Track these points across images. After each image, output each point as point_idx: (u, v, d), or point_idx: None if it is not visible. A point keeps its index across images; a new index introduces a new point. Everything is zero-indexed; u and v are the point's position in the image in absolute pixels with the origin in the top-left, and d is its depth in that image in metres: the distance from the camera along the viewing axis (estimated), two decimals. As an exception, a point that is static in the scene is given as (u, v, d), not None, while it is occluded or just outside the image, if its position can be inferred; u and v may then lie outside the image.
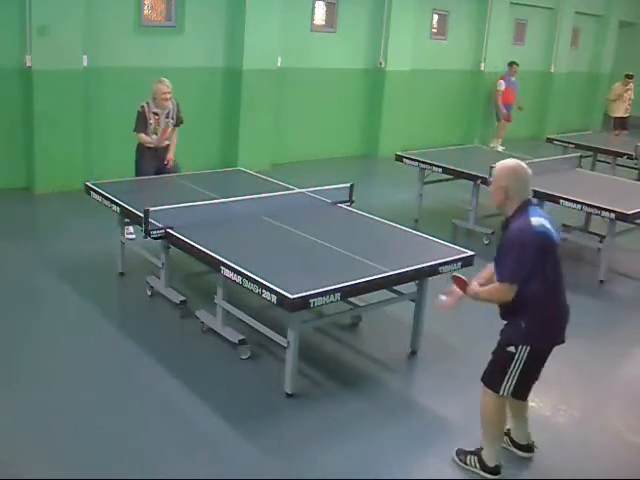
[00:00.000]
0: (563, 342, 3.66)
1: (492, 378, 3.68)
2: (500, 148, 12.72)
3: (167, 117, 6.80)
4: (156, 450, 3.80)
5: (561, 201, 6.73)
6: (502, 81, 13.43)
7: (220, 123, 10.45)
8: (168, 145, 6.93)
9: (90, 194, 6.12)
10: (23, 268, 6.21)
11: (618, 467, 3.97)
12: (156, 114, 6.74)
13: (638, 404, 4.68)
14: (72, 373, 4.56)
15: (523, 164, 3.57)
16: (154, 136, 6.78)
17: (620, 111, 13.16)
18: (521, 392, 3.74)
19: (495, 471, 3.72)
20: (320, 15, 11.53)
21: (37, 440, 3.80)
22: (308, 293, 3.90)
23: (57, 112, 8.40)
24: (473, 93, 14.35)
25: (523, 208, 3.49)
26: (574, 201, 6.63)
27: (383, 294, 4.79)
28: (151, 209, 4.91)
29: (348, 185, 5.92)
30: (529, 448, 3.95)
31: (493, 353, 3.71)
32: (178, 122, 6.93)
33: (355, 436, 4.02)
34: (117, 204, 5.63)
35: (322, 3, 11.50)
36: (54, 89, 8.38)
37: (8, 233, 7.08)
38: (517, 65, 13.54)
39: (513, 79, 13.52)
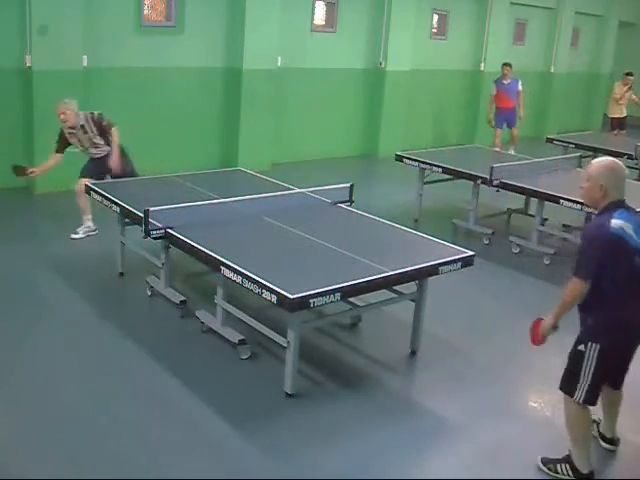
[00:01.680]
0: (634, 351, 3.67)
1: (566, 382, 3.67)
2: (512, 151, 12.17)
3: (85, 133, 6.88)
4: (156, 450, 3.80)
5: (561, 201, 6.72)
6: (494, 84, 12.18)
7: (220, 123, 10.45)
8: (104, 155, 6.92)
9: (90, 194, 6.12)
10: (23, 268, 6.21)
11: (618, 467, 3.97)
12: (71, 133, 6.92)
13: (638, 404, 4.67)
14: (72, 373, 4.56)
15: (621, 164, 3.57)
16: (90, 152, 6.98)
17: (617, 112, 13.13)
18: (596, 392, 3.64)
19: (589, 477, 3.67)
20: (320, 15, 11.54)
21: (37, 440, 3.80)
22: (308, 293, 3.90)
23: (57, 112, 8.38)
24: (473, 93, 14.35)
25: (611, 208, 3.50)
26: (574, 201, 6.62)
27: (383, 294, 4.79)
28: (151, 209, 4.90)
29: (348, 185, 5.91)
30: (612, 441, 3.99)
31: (568, 356, 3.69)
32: (106, 129, 6.89)
33: (355, 436, 4.02)
34: (117, 204, 5.63)
35: (322, 3, 11.50)
36: (54, 89, 8.37)
37: (8, 233, 7.08)
38: (509, 66, 12.03)
39: (506, 82, 12.01)
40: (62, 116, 6.85)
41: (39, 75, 8.29)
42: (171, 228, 4.92)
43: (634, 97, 12.96)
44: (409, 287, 4.86)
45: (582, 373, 3.56)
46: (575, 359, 3.61)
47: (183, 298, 5.39)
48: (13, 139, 8.54)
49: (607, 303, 3.49)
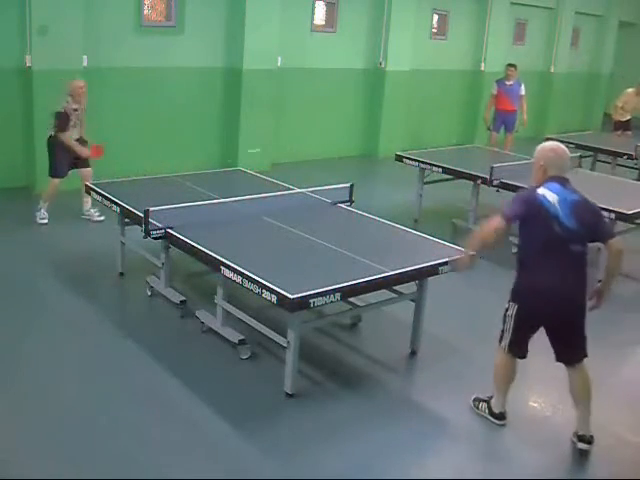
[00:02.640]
0: (561, 317, 3.91)
1: (500, 333, 4.10)
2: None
3: (82, 112, 7.29)
4: (156, 450, 3.80)
5: (561, 201, 6.71)
6: (495, 84, 11.48)
7: (220, 123, 10.45)
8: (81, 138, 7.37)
9: (90, 194, 6.12)
10: (23, 268, 6.21)
11: (618, 467, 3.97)
12: (76, 110, 7.22)
13: (637, 404, 4.68)
14: (72, 373, 4.56)
15: (563, 147, 3.94)
16: (74, 129, 7.27)
17: (622, 115, 13.02)
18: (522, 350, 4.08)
19: (500, 417, 4.22)
20: (320, 15, 11.54)
21: (37, 440, 3.80)
22: (308, 293, 3.90)
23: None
24: (473, 93, 14.35)
25: (547, 181, 3.86)
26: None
27: (383, 294, 4.79)
28: (151, 209, 4.91)
29: (348, 185, 5.92)
30: (583, 438, 4.00)
31: None
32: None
33: (355, 436, 4.02)
34: (117, 204, 5.63)
35: (322, 3, 11.50)
36: (54, 89, 8.36)
37: (8, 233, 7.08)
38: (513, 67, 11.36)
39: (508, 83, 11.31)
40: (85, 88, 7.24)
41: (39, 75, 8.28)
42: (171, 228, 4.92)
43: None
44: (409, 287, 4.86)
45: (505, 327, 4.04)
46: (503, 315, 4.05)
47: (183, 298, 5.39)
48: (13, 139, 8.53)
49: (526, 267, 3.91)
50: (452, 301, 5.89)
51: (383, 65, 12.23)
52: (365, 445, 3.95)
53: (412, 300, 4.96)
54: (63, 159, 7.26)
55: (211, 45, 10.04)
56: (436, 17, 13.45)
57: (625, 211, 6.33)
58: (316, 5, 11.40)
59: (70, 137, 7.19)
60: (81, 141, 7.35)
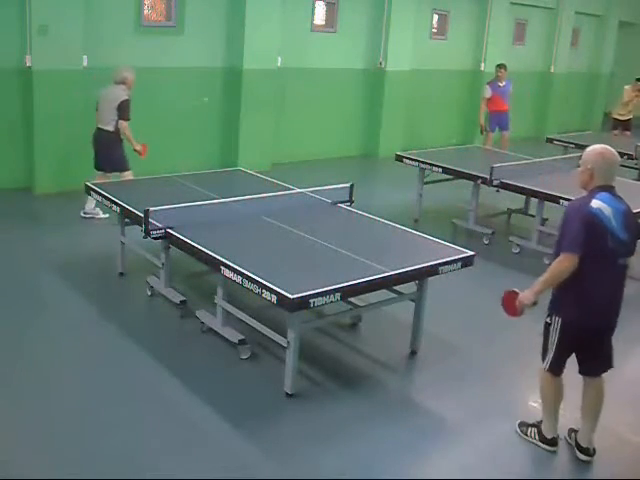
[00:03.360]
0: (603, 331, 3.86)
1: (542, 352, 3.91)
2: None
3: None
4: (156, 450, 3.80)
5: (561, 201, 6.72)
6: (488, 87, 11.44)
7: (220, 123, 10.45)
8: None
9: (90, 194, 6.12)
10: (23, 268, 6.21)
11: (618, 467, 3.97)
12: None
13: (638, 404, 4.68)
14: (72, 373, 4.56)
15: (613, 151, 3.78)
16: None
17: (622, 114, 13.02)
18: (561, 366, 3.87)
19: (552, 442, 3.96)
20: (320, 15, 11.53)
21: (37, 440, 3.81)
22: (308, 293, 3.90)
23: (57, 112, 8.39)
24: (473, 93, 14.33)
25: (596, 190, 3.70)
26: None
27: (383, 294, 4.79)
28: (151, 209, 4.91)
29: (348, 185, 5.91)
30: (588, 452, 3.92)
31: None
32: None
33: (355, 436, 4.02)
34: (117, 204, 5.63)
35: (322, 3, 11.50)
36: (54, 89, 8.38)
37: (8, 233, 7.08)
38: (504, 68, 11.39)
39: (501, 84, 11.37)
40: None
41: (39, 75, 8.28)
42: (171, 228, 4.92)
43: None
44: (409, 287, 4.86)
45: (549, 343, 3.83)
46: (544, 330, 3.86)
47: (183, 298, 5.39)
48: (13, 139, 8.53)
49: (576, 279, 3.63)
50: (452, 301, 5.89)
51: (383, 65, 12.23)
52: (365, 445, 3.94)
53: (412, 300, 4.96)
54: (123, 151, 7.23)
55: (211, 45, 10.04)
56: (436, 17, 13.45)
57: (625, 211, 6.32)
58: (316, 5, 11.40)
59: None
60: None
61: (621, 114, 12.91)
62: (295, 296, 3.84)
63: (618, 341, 5.57)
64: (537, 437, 3.99)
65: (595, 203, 3.63)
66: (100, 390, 4.35)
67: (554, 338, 3.79)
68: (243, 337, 4.78)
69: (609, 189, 3.75)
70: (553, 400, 3.94)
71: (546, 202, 7.03)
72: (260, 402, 4.30)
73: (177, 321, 5.32)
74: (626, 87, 12.83)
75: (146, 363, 4.68)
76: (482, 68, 14.30)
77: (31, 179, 8.62)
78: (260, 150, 10.51)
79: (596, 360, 3.91)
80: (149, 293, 5.69)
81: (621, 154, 10.24)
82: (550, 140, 11.06)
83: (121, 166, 7.22)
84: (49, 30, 8.19)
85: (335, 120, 11.94)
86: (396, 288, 4.86)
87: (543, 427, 3.99)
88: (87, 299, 5.62)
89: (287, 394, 4.33)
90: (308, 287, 3.95)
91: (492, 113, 11.51)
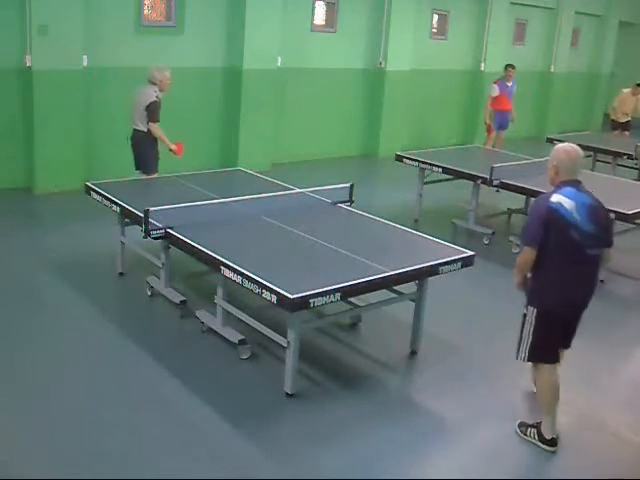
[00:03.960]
0: (572, 318, 4.02)
1: (517, 344, 4.03)
2: None
3: None
4: (156, 450, 3.80)
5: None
6: (496, 86, 11.48)
7: (220, 123, 10.45)
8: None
9: (90, 194, 6.12)
10: (23, 268, 6.21)
11: (618, 467, 3.97)
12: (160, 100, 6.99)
13: (638, 404, 4.68)
14: (72, 373, 4.56)
15: (577, 148, 3.95)
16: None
17: (621, 116, 13.00)
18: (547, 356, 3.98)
19: (552, 443, 3.99)
20: (320, 15, 11.54)
21: (37, 440, 3.81)
22: (308, 293, 3.90)
23: (57, 112, 8.40)
24: (473, 93, 14.35)
25: (561, 185, 3.87)
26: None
27: (383, 294, 4.79)
28: (151, 209, 4.91)
29: (348, 185, 5.92)
30: (554, 442, 4.00)
31: None
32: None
33: (355, 436, 4.02)
34: (117, 204, 5.63)
35: (322, 3, 11.51)
36: (54, 89, 8.38)
37: (8, 233, 7.08)
38: (513, 68, 11.57)
39: (509, 84, 11.54)
40: (170, 80, 7.00)
41: (39, 75, 8.29)
42: (171, 228, 4.92)
43: None
44: (409, 287, 4.86)
45: (523, 334, 3.98)
46: (521, 323, 4.01)
47: (183, 298, 5.39)
48: (13, 139, 8.53)
49: (543, 271, 3.84)
50: (452, 301, 5.89)
51: (383, 65, 12.23)
52: (365, 445, 3.94)
53: (412, 300, 4.96)
54: (155, 153, 7.07)
55: (211, 45, 10.05)
56: (436, 17, 13.46)
57: (625, 211, 6.34)
58: (316, 5, 11.40)
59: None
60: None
61: (620, 116, 12.89)
62: (295, 296, 3.84)
63: (617, 341, 5.60)
64: (537, 437, 4.01)
65: (555, 198, 3.78)
66: (100, 390, 4.35)
67: (529, 328, 3.93)
68: (243, 337, 4.79)
69: (574, 183, 3.87)
70: (551, 396, 3.98)
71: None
72: (260, 402, 4.30)
73: (177, 321, 5.32)
74: (624, 90, 12.75)
75: (146, 363, 4.68)
76: (482, 68, 14.31)
77: (31, 179, 8.62)
78: (260, 150, 10.51)
79: (565, 339, 4.10)
80: (149, 293, 5.69)
81: (621, 154, 10.31)
82: (550, 140, 11.04)
83: (146, 168, 7.07)
84: (49, 30, 8.20)
85: (335, 120, 11.94)
86: (396, 288, 4.86)
87: (542, 427, 4.00)
88: (87, 299, 5.62)
89: (287, 394, 4.33)
90: (308, 287, 3.95)
91: (497, 112, 11.59)
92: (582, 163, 4.01)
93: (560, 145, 3.99)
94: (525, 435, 4.07)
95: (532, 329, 3.92)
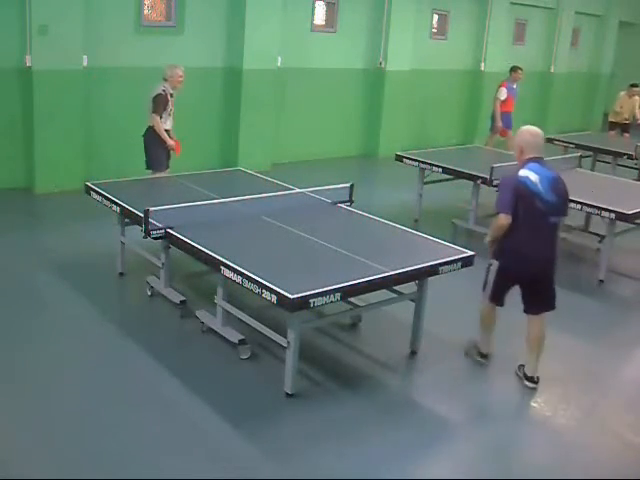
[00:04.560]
0: (538, 278, 4.58)
1: (483, 285, 4.77)
2: None
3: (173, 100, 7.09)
4: (156, 450, 3.80)
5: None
6: (504, 89, 11.41)
7: (220, 123, 10.45)
8: (169, 132, 7.15)
9: (90, 194, 6.11)
10: (23, 268, 6.21)
11: (618, 467, 3.97)
12: (172, 95, 7.03)
13: (638, 404, 4.68)
14: (72, 373, 4.56)
15: (537, 129, 4.56)
16: (169, 119, 7.05)
17: (618, 118, 12.99)
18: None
19: (486, 356, 4.95)
20: (320, 15, 11.53)
21: (37, 440, 3.80)
22: (308, 293, 3.90)
23: (57, 112, 8.40)
24: (473, 93, 14.35)
25: (526, 162, 4.46)
26: (574, 201, 6.60)
27: (383, 294, 4.79)
28: (151, 209, 4.90)
29: (348, 185, 5.92)
30: (532, 379, 4.67)
31: None
32: None
33: (355, 436, 4.02)
34: (117, 204, 5.63)
35: (322, 3, 11.50)
36: (54, 89, 8.38)
37: (8, 233, 7.08)
38: (521, 70, 11.59)
39: (515, 86, 11.60)
40: (183, 78, 7.08)
41: (39, 75, 8.28)
42: (171, 228, 4.92)
43: (637, 111, 12.65)
44: (409, 287, 4.86)
45: (488, 280, 4.67)
46: (486, 269, 4.68)
47: (183, 298, 5.39)
48: (13, 139, 8.53)
49: (511, 234, 4.43)
50: (452, 301, 5.88)
51: (383, 65, 12.22)
52: (365, 445, 3.94)
53: (412, 300, 4.96)
54: (161, 150, 7.03)
55: (211, 45, 10.05)
56: (436, 17, 13.45)
57: (625, 211, 6.34)
58: (316, 5, 11.39)
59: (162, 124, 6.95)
60: (169, 135, 7.10)
61: (618, 118, 12.89)
62: (295, 296, 3.84)
63: (617, 342, 5.60)
64: (475, 353, 4.92)
65: (522, 172, 4.41)
66: (100, 390, 4.35)
67: (492, 277, 4.61)
68: (243, 337, 4.78)
69: (538, 160, 4.47)
70: (489, 325, 4.85)
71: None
72: (260, 402, 4.30)
73: (177, 321, 5.32)
74: (621, 93, 12.79)
75: (146, 363, 4.68)
76: (482, 68, 14.30)
77: (31, 179, 8.62)
78: (260, 150, 10.51)
79: (535, 302, 4.63)
80: (149, 293, 5.69)
81: (621, 154, 10.30)
82: (550, 140, 11.04)
83: (151, 164, 7.07)
84: (49, 30, 8.19)
85: (335, 120, 11.94)
86: (396, 288, 4.86)
87: (480, 345, 4.92)
88: (87, 299, 5.62)
89: (287, 394, 4.33)
90: (308, 287, 3.95)
91: (503, 114, 11.52)
92: (543, 142, 4.57)
93: (524, 128, 4.58)
94: (467, 353, 5.01)
95: (495, 279, 4.59)
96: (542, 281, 4.61)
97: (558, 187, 4.45)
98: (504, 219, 4.41)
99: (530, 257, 4.48)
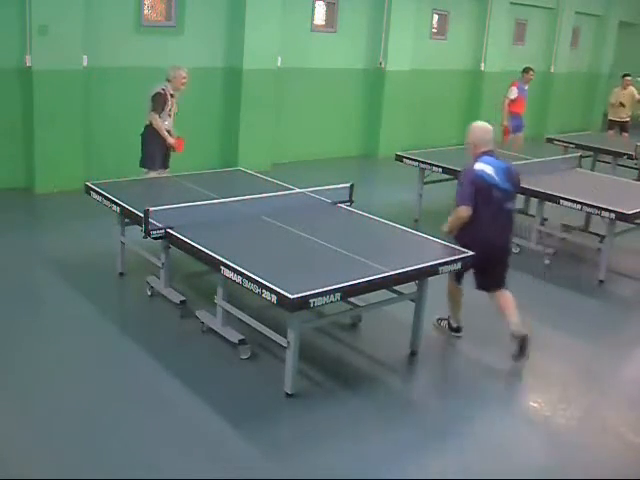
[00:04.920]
0: (495, 259, 4.96)
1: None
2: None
3: (175, 101, 7.08)
4: (156, 450, 3.80)
5: (561, 201, 6.72)
6: (515, 88, 11.26)
7: (220, 123, 10.45)
8: (170, 132, 7.12)
9: (90, 194, 6.11)
10: (23, 268, 6.21)
11: (618, 468, 3.97)
12: (172, 96, 7.02)
13: (638, 404, 4.68)
14: (72, 373, 4.56)
15: (486, 124, 5.06)
16: (169, 119, 7.03)
17: (616, 115, 12.98)
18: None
19: (457, 330, 5.29)
20: (320, 15, 11.54)
21: (37, 440, 3.80)
22: (308, 293, 3.90)
23: (57, 112, 8.40)
24: (473, 93, 14.35)
25: (480, 155, 4.88)
26: (574, 201, 6.63)
27: (383, 294, 4.79)
28: (151, 209, 4.90)
29: (348, 185, 5.92)
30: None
31: None
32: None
33: (354, 436, 4.01)
34: (117, 204, 5.63)
35: (322, 3, 11.50)
36: (54, 89, 8.38)
37: (8, 233, 7.08)
38: (533, 71, 11.52)
39: (526, 87, 11.49)
40: (186, 81, 7.09)
41: (39, 75, 8.28)
42: (171, 228, 4.92)
43: (637, 96, 12.64)
44: (409, 287, 4.86)
45: None
46: None
47: (183, 298, 5.39)
48: (13, 139, 8.53)
49: (472, 223, 4.81)
50: (452, 301, 5.88)
51: (383, 65, 12.23)
52: (365, 445, 3.94)
53: (412, 300, 4.96)
54: (158, 149, 7.00)
55: (211, 45, 10.05)
56: (436, 17, 13.45)
57: (625, 211, 6.34)
58: (316, 5, 11.40)
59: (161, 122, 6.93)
60: (170, 135, 7.07)
61: (615, 114, 12.88)
62: (295, 296, 3.84)
63: (617, 342, 5.60)
64: (447, 327, 5.29)
65: (478, 166, 4.81)
66: (100, 390, 4.35)
67: None
68: (243, 337, 4.78)
69: (490, 153, 4.91)
70: (456, 301, 5.21)
71: (546, 202, 7.03)
72: (260, 402, 4.30)
73: (177, 321, 5.32)
74: (615, 89, 12.81)
75: (146, 363, 4.68)
76: (482, 68, 14.30)
77: (31, 179, 8.62)
78: (260, 150, 10.51)
79: (498, 280, 5.02)
80: (149, 293, 5.69)
81: (621, 154, 10.30)
82: (550, 140, 11.06)
83: (144, 162, 7.04)
84: (49, 30, 8.19)
85: (335, 120, 11.94)
86: (396, 288, 4.86)
87: (450, 320, 5.27)
88: (87, 299, 5.62)
89: (287, 394, 4.33)
90: (308, 287, 3.95)
91: (514, 115, 11.41)
92: (492, 137, 4.97)
93: (474, 124, 5.06)
94: (439, 326, 5.33)
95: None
96: (501, 263, 5.02)
97: (511, 175, 4.90)
98: (465, 211, 4.79)
99: (490, 242, 4.86)
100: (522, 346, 4.80)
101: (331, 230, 5.30)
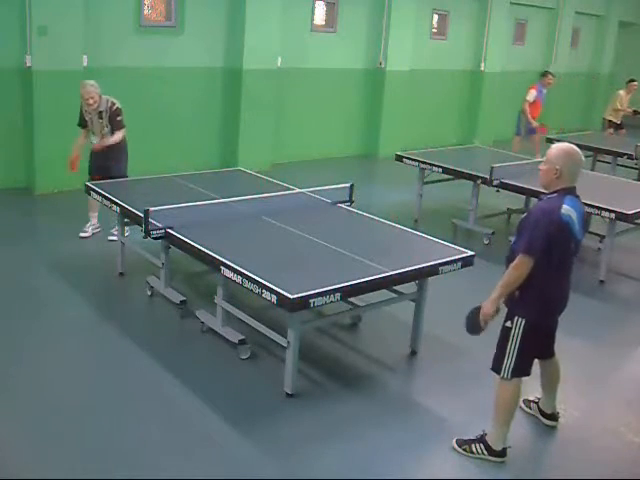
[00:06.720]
0: (556, 321, 3.95)
1: (495, 359, 3.82)
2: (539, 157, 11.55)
3: (100, 119, 6.64)
4: (156, 450, 3.80)
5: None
6: (534, 91, 11.29)
7: (220, 123, 10.45)
8: (107, 149, 6.69)
9: (90, 194, 6.12)
10: (23, 268, 6.21)
11: (619, 468, 3.97)
12: (87, 111, 6.68)
13: (638, 404, 4.68)
14: (72, 373, 4.56)
15: (579, 151, 3.67)
16: (94, 137, 6.78)
17: (616, 117, 12.98)
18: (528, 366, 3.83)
19: (502, 454, 3.84)
20: (320, 15, 11.54)
21: (37, 440, 3.80)
22: (308, 293, 3.90)
23: (57, 112, 8.39)
24: (473, 93, 14.35)
25: (562, 193, 3.62)
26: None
27: (383, 294, 4.79)
28: (151, 209, 4.90)
29: (348, 185, 5.92)
30: (553, 417, 4.20)
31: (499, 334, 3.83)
32: (115, 127, 6.67)
33: (355, 436, 4.02)
34: (117, 204, 5.63)
35: (322, 3, 11.50)
36: (54, 89, 8.37)
37: (8, 233, 7.08)
38: (552, 75, 11.54)
39: (545, 91, 11.53)
40: (91, 101, 6.48)
41: (39, 75, 8.28)
42: (171, 228, 4.92)
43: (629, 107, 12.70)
44: (409, 287, 4.86)
45: (508, 349, 3.70)
46: (502, 336, 3.75)
47: (183, 298, 5.39)
48: (13, 139, 8.53)
49: (539, 281, 3.59)
50: (452, 301, 5.87)
51: (383, 65, 12.23)
52: (365, 445, 3.94)
53: (412, 300, 4.96)
54: (92, 163, 6.92)
55: (211, 45, 10.04)
56: (436, 17, 13.46)
57: (625, 211, 6.34)
58: (316, 5, 11.40)
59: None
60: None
61: (616, 116, 12.88)
62: (295, 296, 3.84)
63: (617, 341, 5.60)
64: (486, 452, 3.83)
65: (565, 209, 3.57)
66: (100, 390, 4.35)
67: (515, 341, 3.67)
68: (243, 337, 4.78)
69: (574, 191, 3.69)
70: (512, 409, 3.81)
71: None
72: (260, 402, 4.30)
73: (177, 321, 5.32)
74: (620, 92, 12.78)
75: (146, 363, 4.68)
76: (482, 68, 14.30)
77: (31, 179, 8.62)
78: (260, 150, 10.51)
79: (553, 344, 4.03)
80: (149, 293, 5.69)
81: (621, 154, 10.29)
82: (550, 140, 11.03)
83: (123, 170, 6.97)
84: (49, 30, 8.19)
85: (335, 120, 11.94)
86: (396, 288, 4.86)
87: (490, 439, 3.83)
88: (87, 299, 5.62)
89: (287, 394, 4.33)
90: (308, 287, 3.95)
91: (534, 118, 11.44)
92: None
93: (563, 147, 3.64)
94: (471, 453, 3.86)
95: (518, 342, 3.66)
96: (556, 326, 3.99)
97: (584, 221, 3.80)
98: (529, 264, 3.54)
99: (557, 303, 3.78)
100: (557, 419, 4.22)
101: (331, 230, 5.30)
